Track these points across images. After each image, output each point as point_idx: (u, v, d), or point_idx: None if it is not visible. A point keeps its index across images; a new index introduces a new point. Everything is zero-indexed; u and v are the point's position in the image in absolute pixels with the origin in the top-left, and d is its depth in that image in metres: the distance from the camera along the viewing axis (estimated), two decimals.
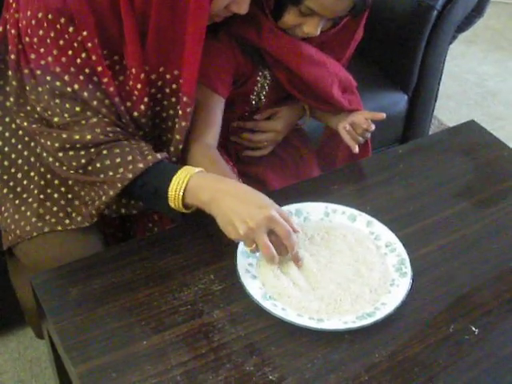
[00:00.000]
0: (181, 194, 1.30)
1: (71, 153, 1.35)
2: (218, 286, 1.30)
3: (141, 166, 1.32)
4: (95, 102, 1.35)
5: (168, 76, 1.41)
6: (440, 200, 1.55)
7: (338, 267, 1.32)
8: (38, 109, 1.37)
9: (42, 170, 1.46)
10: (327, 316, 1.24)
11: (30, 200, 1.46)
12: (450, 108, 3.33)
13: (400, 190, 1.56)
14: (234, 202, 1.26)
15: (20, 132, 1.48)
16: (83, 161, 1.34)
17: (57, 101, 1.34)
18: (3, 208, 1.49)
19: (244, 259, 1.32)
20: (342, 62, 1.70)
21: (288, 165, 1.84)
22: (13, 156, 1.49)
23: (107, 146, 1.34)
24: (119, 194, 1.36)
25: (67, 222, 1.44)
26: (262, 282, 1.29)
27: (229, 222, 1.27)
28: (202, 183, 1.31)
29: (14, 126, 1.48)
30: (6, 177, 1.49)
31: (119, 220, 1.62)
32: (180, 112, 1.42)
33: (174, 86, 1.42)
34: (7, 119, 1.48)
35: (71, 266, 1.35)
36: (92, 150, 1.34)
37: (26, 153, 1.48)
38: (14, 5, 1.35)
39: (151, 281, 1.31)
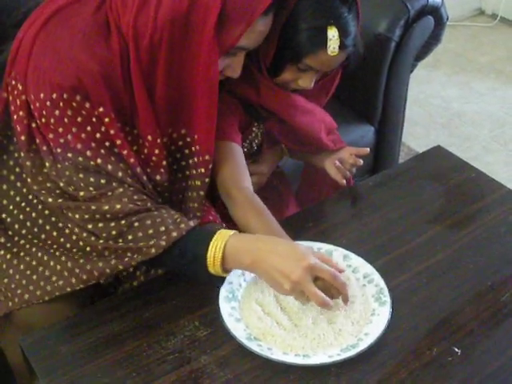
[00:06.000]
0: (219, 259, 1.30)
1: (101, 224, 1.34)
2: (203, 332, 1.32)
3: (174, 234, 1.31)
4: (120, 173, 1.35)
5: (175, 135, 1.43)
6: (413, 227, 1.58)
7: None
8: (61, 184, 1.36)
9: (43, 236, 1.46)
10: (312, 351, 1.27)
11: (34, 263, 1.45)
12: (417, 134, 3.37)
13: (373, 222, 1.60)
14: (273, 260, 1.27)
15: (23, 204, 1.47)
16: (114, 232, 1.33)
17: (80, 175, 1.34)
18: (4, 274, 1.47)
19: (226, 303, 1.34)
20: (322, 106, 1.76)
21: (269, 205, 1.86)
22: (16, 226, 1.48)
23: (138, 217, 1.33)
24: (146, 263, 1.36)
25: (73, 281, 1.41)
26: (246, 324, 1.31)
27: (274, 281, 1.28)
28: (239, 246, 1.31)
29: (18, 198, 1.47)
30: (9, 244, 1.48)
31: None
32: (203, 170, 1.45)
33: (180, 143, 1.44)
34: (12, 192, 1.47)
35: (59, 324, 1.36)
36: (122, 221, 1.33)
37: (28, 223, 1.47)
38: (19, 87, 1.34)
39: (138, 332, 1.32)
